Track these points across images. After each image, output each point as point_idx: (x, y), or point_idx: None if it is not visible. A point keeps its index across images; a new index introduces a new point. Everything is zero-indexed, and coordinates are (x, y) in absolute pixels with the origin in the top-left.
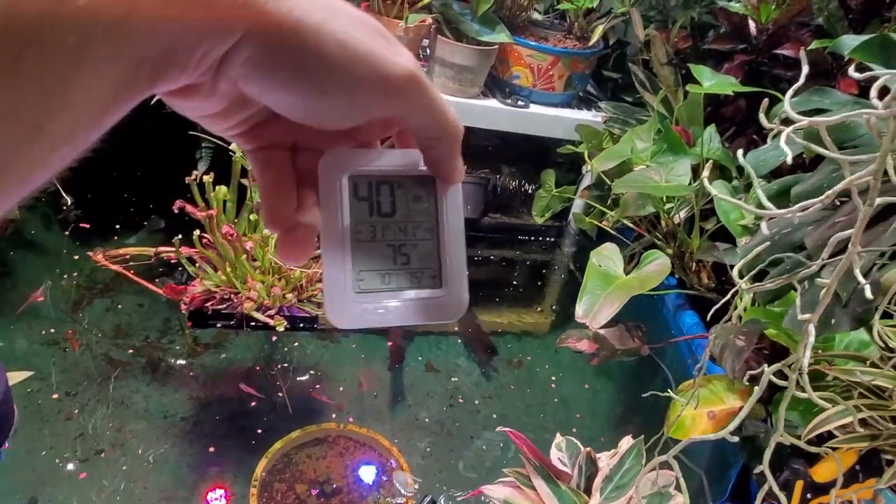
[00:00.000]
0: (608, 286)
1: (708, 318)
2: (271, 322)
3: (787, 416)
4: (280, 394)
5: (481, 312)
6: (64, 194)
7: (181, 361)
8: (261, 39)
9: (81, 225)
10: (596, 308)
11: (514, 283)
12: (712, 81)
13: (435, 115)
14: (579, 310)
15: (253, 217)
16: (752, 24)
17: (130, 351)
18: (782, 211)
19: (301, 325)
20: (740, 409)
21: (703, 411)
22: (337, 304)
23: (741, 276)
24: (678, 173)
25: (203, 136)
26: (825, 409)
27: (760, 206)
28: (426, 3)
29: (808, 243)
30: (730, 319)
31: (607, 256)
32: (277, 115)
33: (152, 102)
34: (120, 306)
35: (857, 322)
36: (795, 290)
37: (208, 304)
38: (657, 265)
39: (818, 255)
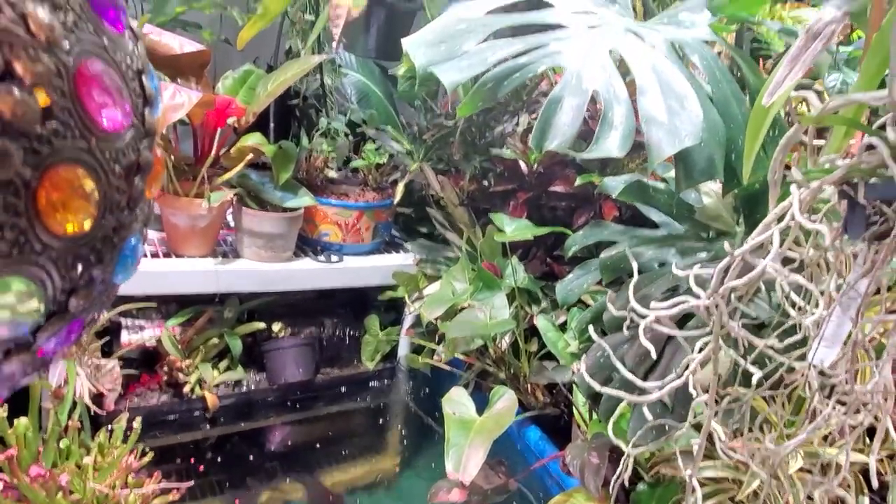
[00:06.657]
0: (469, 432)
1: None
2: None
3: None
4: None
5: (328, 472)
6: None
7: None
8: None
9: None
10: (464, 459)
11: (358, 433)
12: (512, 227)
13: None
14: (449, 465)
15: (64, 443)
16: (523, 166)
17: None
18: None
19: None
20: None
21: None
22: None
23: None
24: (498, 307)
25: None
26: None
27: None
28: (227, 178)
29: (627, 361)
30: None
31: (458, 402)
32: None
33: None
34: None
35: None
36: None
37: None
38: (505, 401)
39: (639, 369)
